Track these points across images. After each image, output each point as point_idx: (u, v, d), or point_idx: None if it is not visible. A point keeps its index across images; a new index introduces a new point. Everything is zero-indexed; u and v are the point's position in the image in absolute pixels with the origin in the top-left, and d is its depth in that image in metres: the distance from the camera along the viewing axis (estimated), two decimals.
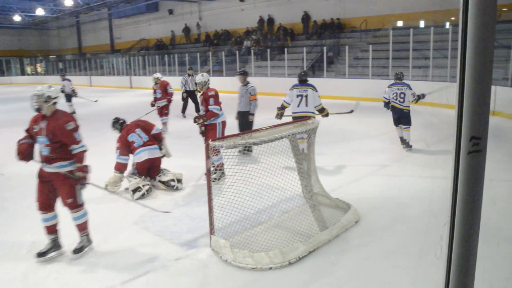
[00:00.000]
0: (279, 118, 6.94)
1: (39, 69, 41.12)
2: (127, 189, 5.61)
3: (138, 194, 5.39)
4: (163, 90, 10.11)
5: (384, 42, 16.14)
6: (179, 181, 5.79)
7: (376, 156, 7.27)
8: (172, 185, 5.71)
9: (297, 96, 6.79)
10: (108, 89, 27.36)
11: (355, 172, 6.30)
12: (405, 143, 7.69)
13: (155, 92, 10.23)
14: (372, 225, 4.39)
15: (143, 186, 5.48)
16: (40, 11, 31.62)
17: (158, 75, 10.40)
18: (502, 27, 12.59)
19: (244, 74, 7.74)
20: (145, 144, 5.80)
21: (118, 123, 6.18)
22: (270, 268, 3.52)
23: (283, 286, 3.34)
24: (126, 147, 5.79)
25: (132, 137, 5.80)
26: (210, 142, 3.93)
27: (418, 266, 3.52)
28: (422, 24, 16.97)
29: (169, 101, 10.17)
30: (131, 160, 5.85)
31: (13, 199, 5.61)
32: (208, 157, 3.95)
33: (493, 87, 10.81)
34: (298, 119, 5.97)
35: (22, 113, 12.47)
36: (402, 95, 7.66)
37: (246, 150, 6.33)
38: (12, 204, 5.40)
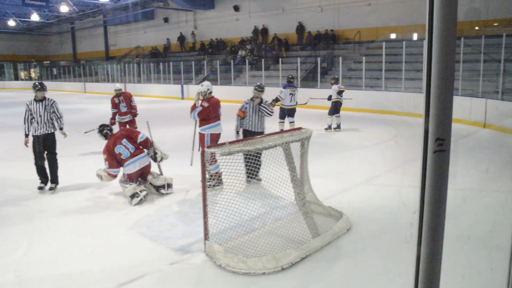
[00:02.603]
0: (272, 107, 9.19)
1: (32, 74, 41.12)
2: (125, 197, 5.61)
3: (136, 200, 5.43)
4: (128, 103, 8.78)
5: (377, 54, 16.35)
6: (169, 186, 5.85)
7: (368, 166, 7.37)
8: (162, 193, 5.79)
9: (290, 94, 9.89)
10: (103, 95, 27.30)
11: (348, 182, 6.39)
12: (339, 126, 10.70)
13: (117, 106, 8.78)
14: (364, 233, 4.47)
15: (140, 191, 5.50)
16: (35, 17, 31.75)
17: (119, 85, 9.14)
18: (493, 42, 12.78)
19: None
20: (133, 155, 5.66)
21: (103, 133, 5.88)
22: (263, 273, 3.58)
23: None
24: (114, 159, 5.64)
25: (119, 149, 5.63)
26: (206, 150, 4.00)
27: (408, 273, 3.60)
28: (415, 36, 17.22)
29: (134, 115, 8.86)
30: (121, 170, 5.81)
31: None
32: (203, 164, 4.02)
33: (483, 100, 11.10)
34: (288, 110, 9.92)
35: (14, 118, 12.48)
36: (342, 93, 10.81)
37: (256, 179, 5.53)
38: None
